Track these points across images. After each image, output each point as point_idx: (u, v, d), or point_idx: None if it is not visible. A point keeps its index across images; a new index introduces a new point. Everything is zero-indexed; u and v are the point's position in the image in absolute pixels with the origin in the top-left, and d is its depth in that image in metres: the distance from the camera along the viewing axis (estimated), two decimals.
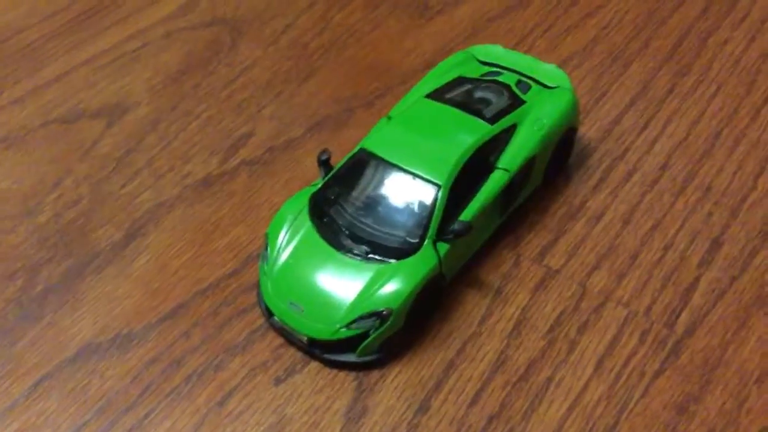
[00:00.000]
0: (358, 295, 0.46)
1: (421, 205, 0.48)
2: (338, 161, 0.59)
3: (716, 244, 0.52)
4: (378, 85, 0.67)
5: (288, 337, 0.48)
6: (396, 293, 0.46)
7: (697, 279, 0.50)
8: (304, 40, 0.72)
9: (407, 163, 0.49)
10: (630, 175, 0.57)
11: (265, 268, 0.49)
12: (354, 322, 0.46)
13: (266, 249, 0.50)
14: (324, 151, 0.52)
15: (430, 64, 0.68)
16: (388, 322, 0.46)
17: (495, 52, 0.58)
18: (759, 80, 0.63)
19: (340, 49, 0.70)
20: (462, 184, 0.49)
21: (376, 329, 0.46)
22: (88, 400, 0.47)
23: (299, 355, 0.48)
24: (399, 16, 0.73)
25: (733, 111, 0.61)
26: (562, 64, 0.66)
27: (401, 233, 0.47)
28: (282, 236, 0.49)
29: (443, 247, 0.48)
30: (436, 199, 0.48)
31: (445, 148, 0.49)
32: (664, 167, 0.57)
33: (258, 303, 0.51)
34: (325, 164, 0.52)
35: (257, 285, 0.51)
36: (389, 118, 0.55)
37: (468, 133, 0.50)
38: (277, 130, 0.64)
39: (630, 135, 0.60)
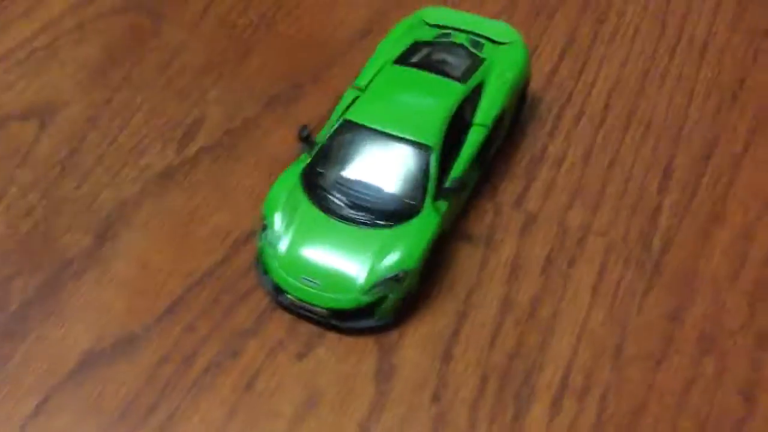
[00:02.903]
0: (373, 261, 0.47)
1: (416, 168, 0.49)
2: (295, 136, 0.57)
3: (668, 171, 0.57)
4: (320, 59, 0.67)
5: (301, 312, 0.48)
6: (410, 254, 0.47)
7: (659, 205, 0.55)
8: (231, 19, 0.70)
9: (395, 129, 0.50)
10: (578, 118, 0.61)
11: (269, 249, 0.49)
12: (373, 287, 0.47)
13: (265, 230, 0.49)
14: (304, 128, 0.52)
15: (366, 33, 0.69)
16: (405, 283, 0.47)
17: (443, 13, 0.60)
18: (668, 21, 0.69)
19: (270, 25, 0.70)
20: (447, 144, 0.51)
21: (395, 291, 0.47)
22: (106, 409, 0.46)
23: (314, 328, 0.49)
24: None
25: (652, 51, 0.66)
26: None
27: (401, 197, 0.49)
28: (279, 216, 0.49)
29: (442, 206, 0.49)
30: (429, 161, 0.49)
31: (428, 111, 0.51)
32: (606, 108, 0.62)
33: (261, 284, 0.50)
34: (307, 140, 0.52)
35: (256, 266, 0.51)
36: (357, 87, 0.56)
37: (445, 94, 0.52)
38: (229, 112, 0.63)
39: (569, 82, 0.64)
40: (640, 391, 0.45)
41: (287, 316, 0.49)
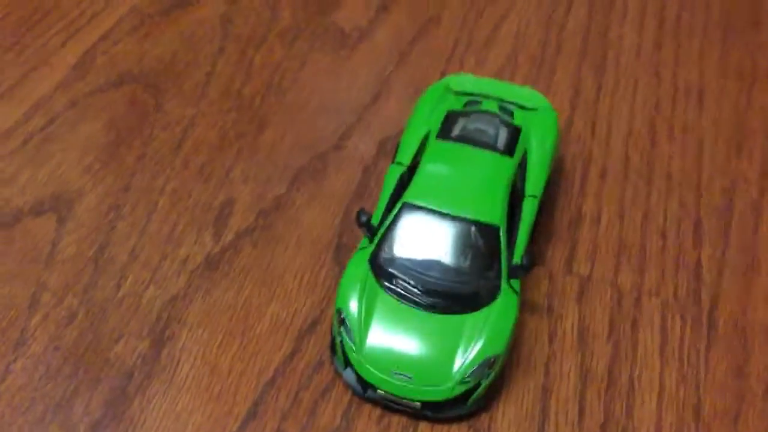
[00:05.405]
0: (463, 349, 0.47)
1: (486, 248, 0.50)
2: (330, 212, 0.54)
3: (697, 224, 0.60)
4: (336, 126, 0.66)
5: (391, 405, 0.48)
6: (498, 338, 0.48)
7: (698, 258, 0.58)
8: (235, 88, 0.68)
9: (458, 210, 0.51)
10: (603, 174, 0.63)
11: (353, 345, 0.48)
12: (467, 376, 0.47)
13: (344, 324, 0.48)
14: (362, 213, 0.51)
15: (376, 96, 0.68)
16: (496, 367, 0.48)
17: (468, 80, 0.61)
18: (661, 71, 0.72)
19: (279, 93, 0.68)
20: (508, 219, 0.52)
21: (487, 377, 0.47)
22: None
23: (405, 419, 0.49)
24: (321, 49, 0.72)
25: (655, 102, 0.69)
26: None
27: (475, 280, 0.49)
28: (356, 308, 0.49)
29: (516, 284, 0.50)
30: (499, 241, 0.50)
31: (486, 189, 0.51)
32: (626, 162, 0.64)
33: (342, 378, 0.50)
34: (367, 226, 0.51)
35: (332, 360, 0.50)
36: (400, 164, 0.56)
37: (498, 169, 0.52)
38: (258, 191, 0.61)
39: (586, 136, 0.66)
40: None
41: (375, 410, 0.49)
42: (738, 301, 0.56)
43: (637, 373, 0.51)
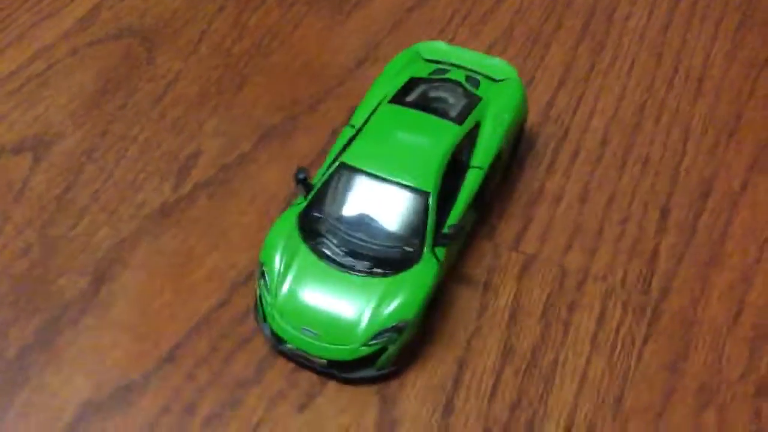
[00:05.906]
0: (372, 311, 0.47)
1: (414, 214, 0.49)
2: (290, 172, 0.56)
3: (665, 211, 0.57)
4: (316, 89, 0.66)
5: (301, 361, 0.48)
6: (409, 304, 0.47)
7: (657, 246, 0.55)
8: (225, 46, 0.70)
9: (392, 174, 0.50)
10: (576, 154, 0.61)
11: (268, 298, 0.48)
12: (373, 338, 0.47)
13: (263, 277, 0.49)
14: (301, 170, 0.52)
15: (361, 62, 0.68)
16: (405, 333, 0.47)
17: (439, 48, 0.60)
18: (665, 52, 0.69)
19: (266, 54, 0.69)
20: (445, 187, 0.51)
21: (394, 342, 0.47)
22: None
23: (315, 377, 0.49)
24: (318, 13, 0.72)
25: (649, 83, 0.66)
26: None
27: (399, 244, 0.49)
28: (278, 262, 0.49)
29: (441, 252, 0.49)
30: (427, 207, 0.49)
31: (424, 154, 0.50)
32: (603, 143, 0.62)
33: (261, 331, 0.50)
34: (304, 183, 0.52)
35: (255, 312, 0.51)
36: (352, 126, 0.56)
37: (441, 137, 0.51)
38: (225, 146, 0.62)
39: (566, 115, 0.64)
40: None
41: (287, 364, 0.49)
42: (690, 294, 0.53)
43: (562, 357, 0.49)
